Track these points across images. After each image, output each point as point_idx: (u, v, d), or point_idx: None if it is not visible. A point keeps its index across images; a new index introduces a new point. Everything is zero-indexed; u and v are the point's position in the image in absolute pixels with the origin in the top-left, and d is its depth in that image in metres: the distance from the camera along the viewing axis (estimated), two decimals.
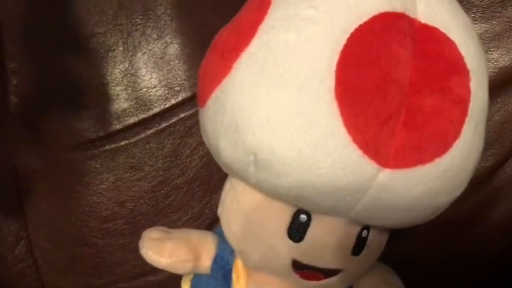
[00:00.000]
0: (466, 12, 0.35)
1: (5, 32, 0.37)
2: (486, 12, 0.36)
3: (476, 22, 0.36)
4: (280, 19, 0.27)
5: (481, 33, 0.36)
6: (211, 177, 0.38)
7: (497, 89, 0.37)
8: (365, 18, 0.26)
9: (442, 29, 0.27)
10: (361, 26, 0.26)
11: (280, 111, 0.26)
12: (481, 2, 0.36)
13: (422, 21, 0.27)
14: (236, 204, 0.31)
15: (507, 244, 0.38)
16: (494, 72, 0.37)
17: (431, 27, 0.27)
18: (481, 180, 0.38)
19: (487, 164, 0.38)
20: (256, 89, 0.26)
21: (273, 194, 0.28)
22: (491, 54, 0.37)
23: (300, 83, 0.26)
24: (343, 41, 0.26)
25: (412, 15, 0.27)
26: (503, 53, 0.36)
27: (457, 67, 0.27)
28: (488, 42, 0.37)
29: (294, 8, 0.27)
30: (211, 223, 0.36)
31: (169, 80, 0.38)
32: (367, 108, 0.25)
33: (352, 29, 0.26)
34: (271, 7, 0.28)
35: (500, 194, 0.38)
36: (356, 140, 0.25)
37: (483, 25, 0.36)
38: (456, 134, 0.27)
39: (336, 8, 0.26)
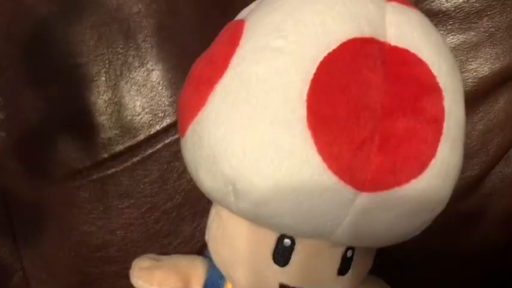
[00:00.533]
0: (443, 24, 0.36)
1: None
2: (463, 24, 0.36)
3: (453, 33, 0.36)
4: (251, 50, 0.27)
5: (458, 44, 0.36)
6: (199, 200, 0.38)
7: (479, 98, 0.37)
8: (334, 46, 0.26)
9: (413, 50, 0.28)
10: (330, 54, 0.26)
11: (255, 143, 0.26)
12: (457, 13, 0.36)
13: (393, 43, 0.27)
14: (222, 230, 0.32)
15: (496, 250, 0.38)
16: (474, 82, 0.37)
17: (402, 49, 0.27)
18: (468, 189, 0.38)
19: (473, 173, 0.38)
20: (230, 122, 0.27)
21: (255, 221, 0.29)
22: (470, 64, 0.37)
23: (273, 114, 0.26)
24: (313, 70, 0.26)
25: (381, 39, 0.27)
26: (482, 63, 0.36)
27: (430, 87, 0.27)
28: (466, 53, 0.37)
29: (263, 39, 0.27)
30: (202, 246, 0.37)
31: (152, 107, 0.38)
32: (341, 136, 0.26)
33: (321, 58, 0.26)
34: (243, 38, 0.28)
35: (487, 202, 0.38)
36: (331, 167, 0.26)
37: (460, 36, 0.36)
38: (432, 154, 0.27)
39: (304, 38, 0.26)
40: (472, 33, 0.36)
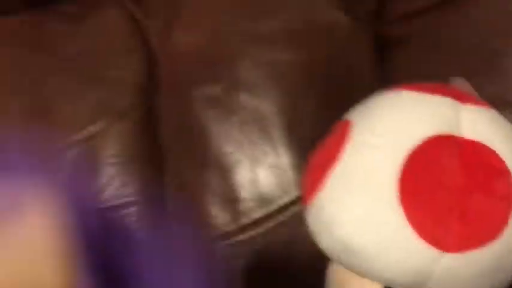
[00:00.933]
0: (504, 109, 0.42)
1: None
2: None
3: None
4: (355, 145, 0.37)
5: None
6: (322, 257, 0.47)
7: None
8: (418, 142, 0.35)
9: (485, 142, 0.35)
10: (415, 147, 0.35)
11: (362, 215, 0.35)
12: None
13: (467, 137, 0.35)
14: (337, 282, 0.40)
15: None
16: None
17: (475, 142, 0.35)
18: None
19: None
20: (343, 199, 0.36)
21: (363, 275, 0.37)
22: None
23: (373, 194, 0.35)
24: (402, 160, 0.35)
25: (457, 134, 0.35)
26: None
27: (499, 171, 0.35)
28: None
29: (364, 137, 0.37)
30: None
31: (283, 183, 0.49)
32: (427, 209, 0.34)
33: (408, 151, 0.35)
34: (349, 135, 0.38)
35: None
36: (420, 234, 0.34)
37: None
38: (504, 223, 0.34)
39: (394, 135, 0.36)
40: None
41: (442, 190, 0.34)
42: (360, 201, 0.35)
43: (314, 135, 0.44)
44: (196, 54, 0.52)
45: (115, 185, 0.52)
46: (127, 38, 0.56)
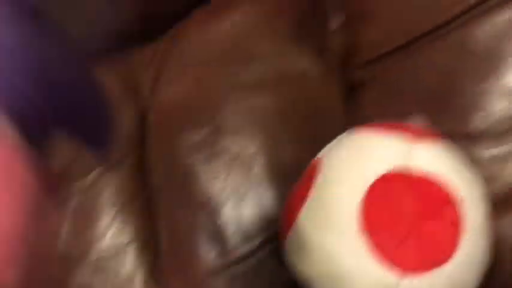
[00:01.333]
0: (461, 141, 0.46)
1: None
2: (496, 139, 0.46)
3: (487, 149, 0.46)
4: (322, 181, 0.41)
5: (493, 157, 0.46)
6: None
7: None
8: (376, 177, 0.39)
9: (436, 173, 0.40)
10: (374, 182, 0.39)
11: (329, 244, 0.39)
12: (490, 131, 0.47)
13: (419, 170, 0.39)
14: None
15: None
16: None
17: (427, 173, 0.39)
18: None
19: None
20: (311, 232, 0.40)
21: None
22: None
23: (338, 225, 0.39)
24: (363, 193, 0.39)
25: (411, 168, 0.40)
26: None
27: (449, 198, 0.39)
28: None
29: (330, 173, 0.41)
30: None
31: (265, 220, 0.52)
32: (385, 236, 0.38)
33: (368, 185, 0.39)
34: (318, 172, 0.42)
35: None
36: (381, 259, 0.38)
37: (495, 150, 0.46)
38: (455, 247, 0.38)
39: (356, 172, 0.40)
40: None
41: (398, 219, 0.38)
42: (325, 233, 0.39)
43: (294, 173, 0.48)
44: (181, 102, 0.57)
45: (113, 229, 0.56)
46: (121, 92, 0.61)
